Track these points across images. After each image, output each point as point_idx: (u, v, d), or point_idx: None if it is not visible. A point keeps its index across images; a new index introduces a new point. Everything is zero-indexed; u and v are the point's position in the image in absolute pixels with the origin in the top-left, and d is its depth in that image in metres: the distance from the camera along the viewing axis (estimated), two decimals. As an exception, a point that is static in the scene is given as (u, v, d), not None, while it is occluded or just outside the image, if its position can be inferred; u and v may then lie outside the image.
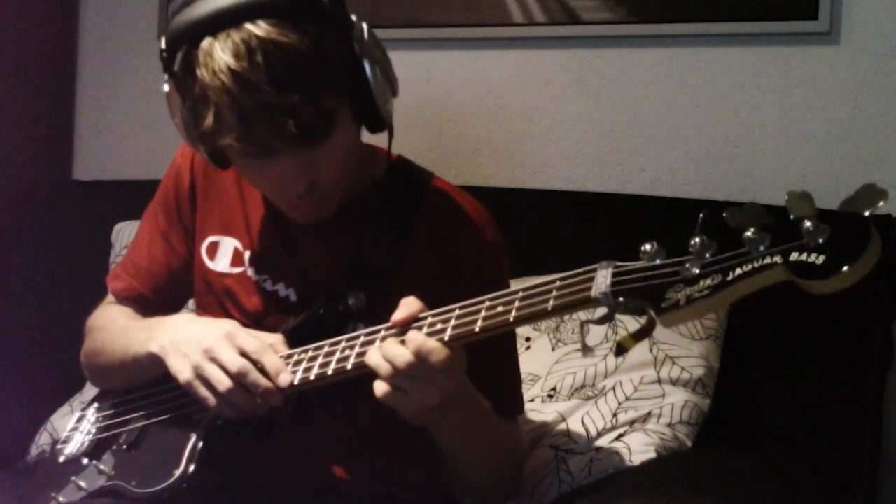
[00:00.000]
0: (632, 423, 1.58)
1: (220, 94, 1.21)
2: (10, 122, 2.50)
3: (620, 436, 1.56)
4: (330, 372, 1.26)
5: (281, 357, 1.30)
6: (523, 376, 1.68)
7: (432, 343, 1.17)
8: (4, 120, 2.48)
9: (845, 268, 0.88)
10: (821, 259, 0.90)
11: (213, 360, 1.29)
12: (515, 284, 1.79)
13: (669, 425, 1.57)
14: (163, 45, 1.27)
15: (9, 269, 2.36)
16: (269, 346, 1.30)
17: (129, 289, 1.55)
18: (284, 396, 1.29)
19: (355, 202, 1.42)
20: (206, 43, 1.22)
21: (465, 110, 2.23)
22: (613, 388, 1.62)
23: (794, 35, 1.96)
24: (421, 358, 1.17)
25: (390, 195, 1.43)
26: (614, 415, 1.59)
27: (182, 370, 1.31)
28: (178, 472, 1.31)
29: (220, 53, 1.21)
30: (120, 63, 2.57)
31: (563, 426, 1.60)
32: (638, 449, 1.52)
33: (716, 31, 2.02)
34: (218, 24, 1.22)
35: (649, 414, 1.58)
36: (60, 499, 1.40)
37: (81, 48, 2.64)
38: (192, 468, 1.31)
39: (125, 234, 2.16)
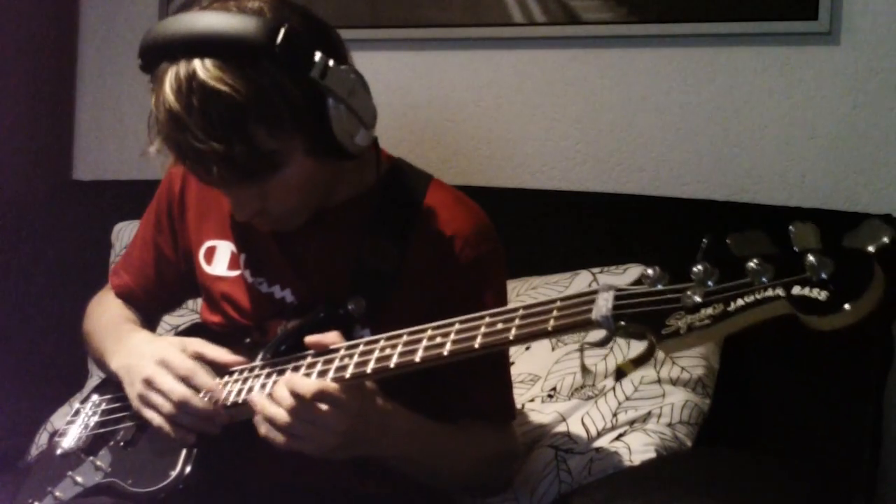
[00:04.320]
0: (632, 422, 1.58)
1: (161, 126, 1.27)
2: (10, 122, 2.50)
3: (620, 436, 1.56)
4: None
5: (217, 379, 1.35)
6: (523, 376, 1.69)
7: (309, 384, 1.20)
8: (4, 120, 2.48)
9: (847, 306, 0.88)
10: (823, 295, 0.90)
11: (153, 388, 1.35)
12: (516, 284, 1.81)
13: (669, 425, 1.57)
14: (138, 52, 1.30)
15: (9, 269, 2.36)
16: (198, 368, 1.34)
17: (122, 286, 1.61)
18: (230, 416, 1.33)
19: (351, 205, 1.43)
20: (161, 68, 1.26)
21: (465, 110, 2.23)
22: (613, 388, 1.62)
23: (794, 35, 1.96)
24: (303, 399, 1.21)
25: (387, 200, 1.43)
26: (614, 415, 1.59)
27: (132, 399, 1.39)
28: (174, 473, 1.32)
29: (166, 86, 1.24)
30: (120, 63, 2.57)
31: (563, 426, 1.60)
32: (638, 449, 1.52)
33: (716, 31, 2.02)
34: (174, 51, 1.25)
35: (649, 414, 1.58)
36: (57, 493, 1.41)
37: (81, 48, 2.64)
38: (188, 469, 1.32)
39: (125, 234, 2.16)
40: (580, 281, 1.78)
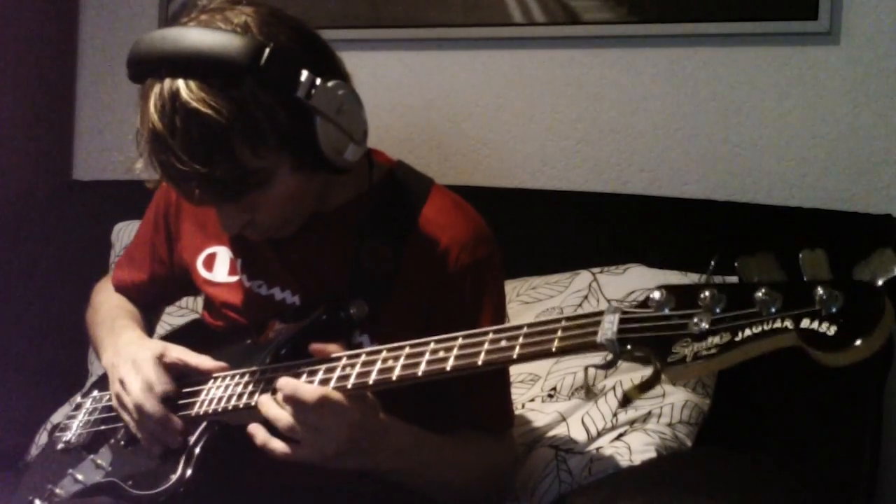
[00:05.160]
0: (632, 422, 1.58)
1: (146, 143, 1.26)
2: (10, 122, 2.50)
3: (620, 436, 1.56)
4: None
5: (198, 382, 1.36)
6: (523, 376, 1.69)
7: (313, 390, 1.21)
8: (4, 120, 2.48)
9: (857, 343, 0.87)
10: (832, 330, 0.88)
11: (126, 389, 1.37)
12: (516, 284, 1.81)
13: (669, 425, 1.57)
14: (126, 62, 1.30)
15: (9, 269, 2.36)
16: (155, 382, 1.35)
17: (120, 279, 1.64)
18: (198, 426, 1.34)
19: (347, 209, 1.43)
20: (147, 84, 1.26)
21: (465, 110, 2.23)
22: (613, 388, 1.62)
23: (794, 35, 1.96)
24: (300, 405, 1.21)
25: (385, 203, 1.43)
26: (614, 415, 1.58)
27: (111, 396, 1.42)
28: (175, 477, 1.31)
29: (151, 105, 1.24)
30: (120, 63, 2.54)
31: (563, 426, 1.60)
32: (638, 449, 1.52)
33: (716, 31, 2.02)
34: (159, 68, 1.24)
35: (649, 414, 1.58)
36: (57, 490, 1.41)
37: (81, 48, 2.64)
38: (188, 472, 1.32)
39: (125, 234, 2.16)
40: (580, 281, 1.78)
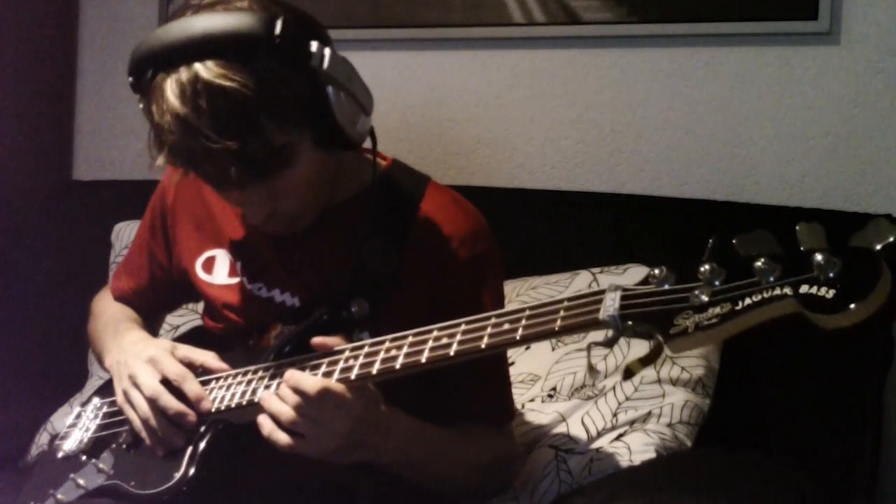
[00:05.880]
0: (632, 422, 1.58)
1: (168, 135, 1.23)
2: (10, 122, 2.50)
3: (620, 436, 1.56)
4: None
5: (202, 381, 1.36)
6: (523, 376, 1.69)
7: (314, 381, 1.21)
8: (4, 120, 2.48)
9: (854, 304, 0.88)
10: (831, 293, 0.90)
11: (135, 384, 1.36)
12: (516, 284, 1.81)
13: (669, 425, 1.57)
14: (128, 70, 1.28)
15: (9, 269, 2.36)
16: (189, 374, 1.35)
17: (119, 289, 1.63)
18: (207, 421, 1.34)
19: (348, 206, 1.43)
20: (159, 78, 1.24)
21: (464, 110, 2.23)
22: (613, 388, 1.62)
23: (794, 35, 1.96)
24: (303, 397, 1.21)
25: (384, 201, 1.43)
26: (614, 415, 1.59)
27: (117, 393, 1.40)
28: (178, 475, 1.31)
29: (168, 94, 1.22)
30: (120, 63, 2.54)
31: (563, 426, 1.60)
32: (638, 449, 1.52)
33: (716, 31, 2.02)
34: (170, 59, 1.23)
35: (649, 414, 1.58)
36: (59, 496, 1.40)
37: (81, 48, 2.64)
38: (192, 471, 1.31)
39: (125, 234, 2.16)
40: (580, 281, 1.78)
